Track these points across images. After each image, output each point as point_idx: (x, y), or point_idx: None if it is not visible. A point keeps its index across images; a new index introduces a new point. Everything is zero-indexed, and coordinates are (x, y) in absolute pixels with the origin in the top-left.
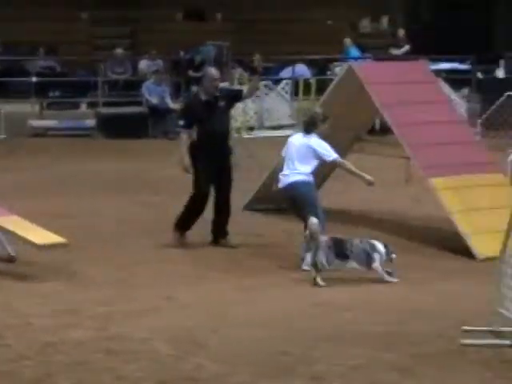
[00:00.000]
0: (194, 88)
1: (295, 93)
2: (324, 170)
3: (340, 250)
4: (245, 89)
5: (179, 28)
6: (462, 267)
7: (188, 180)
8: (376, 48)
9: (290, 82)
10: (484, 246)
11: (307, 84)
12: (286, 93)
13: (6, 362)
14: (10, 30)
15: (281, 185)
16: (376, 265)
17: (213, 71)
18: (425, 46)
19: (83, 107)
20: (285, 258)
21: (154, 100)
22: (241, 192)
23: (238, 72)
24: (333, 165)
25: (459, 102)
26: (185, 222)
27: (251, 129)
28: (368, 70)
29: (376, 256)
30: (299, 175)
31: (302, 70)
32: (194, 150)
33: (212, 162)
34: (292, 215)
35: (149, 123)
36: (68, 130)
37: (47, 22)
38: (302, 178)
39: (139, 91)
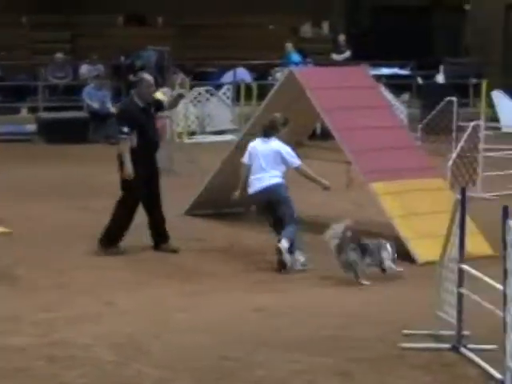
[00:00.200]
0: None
1: (237, 98)
2: None
3: (362, 248)
4: (166, 101)
5: (120, 33)
6: (404, 271)
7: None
8: (317, 53)
9: (231, 87)
10: (424, 250)
11: (249, 89)
12: (228, 98)
13: None
14: None
15: (255, 188)
16: (388, 263)
17: (149, 77)
18: (365, 52)
19: (23, 112)
20: (226, 262)
21: (95, 105)
22: (182, 197)
23: (180, 77)
24: (296, 171)
25: (400, 107)
26: (116, 234)
27: (193, 134)
28: (309, 75)
29: (385, 254)
30: (276, 178)
31: (243, 73)
32: (133, 156)
33: (147, 168)
34: (234, 220)
35: (90, 128)
36: (8, 135)
37: None
38: (280, 181)
39: (80, 96)
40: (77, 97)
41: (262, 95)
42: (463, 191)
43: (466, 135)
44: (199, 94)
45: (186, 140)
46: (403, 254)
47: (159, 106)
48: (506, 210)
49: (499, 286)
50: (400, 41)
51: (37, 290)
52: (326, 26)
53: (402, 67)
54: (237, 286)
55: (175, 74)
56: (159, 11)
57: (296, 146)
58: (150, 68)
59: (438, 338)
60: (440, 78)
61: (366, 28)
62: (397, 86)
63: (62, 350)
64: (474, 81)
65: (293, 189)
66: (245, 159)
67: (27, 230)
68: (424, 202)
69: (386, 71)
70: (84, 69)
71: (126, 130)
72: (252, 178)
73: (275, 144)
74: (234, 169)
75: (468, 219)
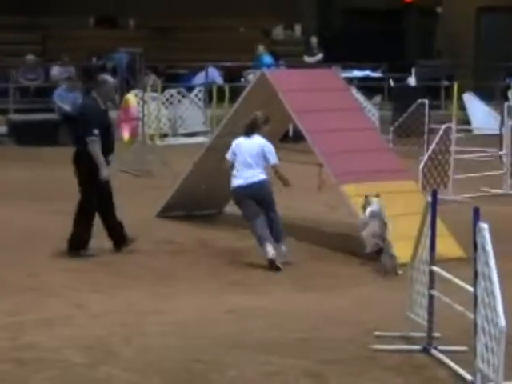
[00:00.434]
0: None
1: (209, 100)
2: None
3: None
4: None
5: (91, 34)
6: (375, 273)
7: None
8: (289, 56)
9: (203, 88)
10: (397, 252)
11: (221, 91)
12: (200, 100)
13: None
14: None
15: (244, 182)
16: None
17: (112, 79)
18: (337, 54)
19: None
20: (197, 264)
21: (66, 107)
22: (154, 199)
23: (151, 79)
24: (272, 168)
25: (371, 109)
26: (84, 237)
27: (165, 136)
28: (280, 78)
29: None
30: (263, 174)
31: (214, 74)
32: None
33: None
34: (205, 222)
35: (60, 130)
36: None
37: None
38: (267, 177)
39: (51, 98)
40: (48, 99)
41: (233, 97)
42: (434, 193)
43: (437, 137)
44: (171, 95)
45: (158, 142)
46: (374, 256)
47: None
48: (477, 211)
49: (470, 288)
50: (372, 43)
51: (5, 292)
52: (298, 29)
53: (373, 70)
54: (209, 288)
55: (147, 75)
56: (131, 13)
57: None
58: (121, 70)
59: (409, 340)
60: (412, 81)
61: (337, 30)
62: (368, 88)
63: (31, 353)
64: (445, 83)
65: None
66: (228, 156)
67: None
68: (396, 204)
69: (357, 73)
70: (55, 70)
71: (95, 131)
72: (236, 173)
73: (259, 140)
74: (206, 171)
75: (439, 221)
